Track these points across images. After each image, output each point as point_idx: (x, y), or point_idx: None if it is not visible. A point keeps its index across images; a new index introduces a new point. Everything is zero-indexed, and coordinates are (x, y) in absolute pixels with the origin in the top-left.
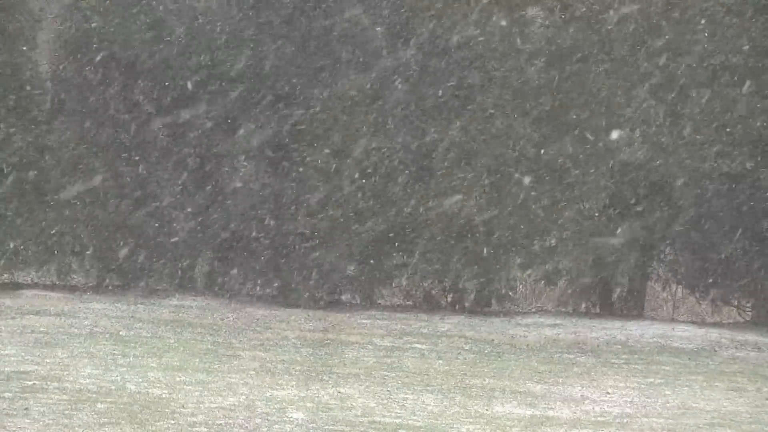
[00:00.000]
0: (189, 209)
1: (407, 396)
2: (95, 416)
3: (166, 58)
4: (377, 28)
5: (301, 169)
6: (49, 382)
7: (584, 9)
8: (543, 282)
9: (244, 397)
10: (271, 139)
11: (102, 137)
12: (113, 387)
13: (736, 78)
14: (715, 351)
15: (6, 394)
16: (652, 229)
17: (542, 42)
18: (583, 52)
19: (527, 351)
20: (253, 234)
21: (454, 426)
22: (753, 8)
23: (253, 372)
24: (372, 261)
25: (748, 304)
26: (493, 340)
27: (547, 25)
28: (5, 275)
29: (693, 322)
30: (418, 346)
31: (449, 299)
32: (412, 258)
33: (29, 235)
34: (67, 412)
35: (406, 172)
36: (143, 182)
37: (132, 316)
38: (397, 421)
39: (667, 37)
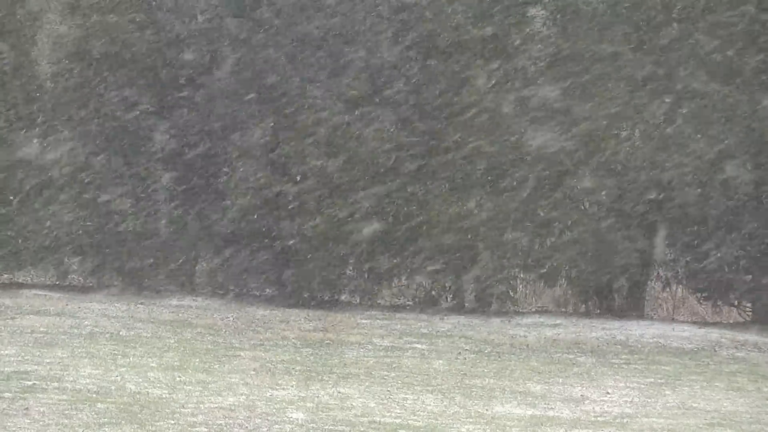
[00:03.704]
0: (189, 209)
1: (407, 396)
2: (95, 416)
3: (166, 57)
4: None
5: (301, 168)
6: (49, 382)
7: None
8: (543, 282)
9: (244, 397)
10: (271, 139)
11: (102, 136)
12: (113, 387)
13: (736, 77)
14: (715, 351)
15: (6, 394)
16: (652, 229)
17: (544, 42)
18: (584, 51)
19: (527, 351)
20: (254, 234)
21: (454, 426)
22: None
23: (253, 372)
24: (372, 261)
25: (748, 304)
26: (493, 340)
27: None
28: (5, 275)
29: (693, 322)
30: (418, 346)
31: (449, 299)
32: (412, 258)
33: (29, 235)
34: (67, 412)
35: (407, 171)
36: (143, 181)
37: (132, 316)
38: (397, 421)
39: (668, 35)
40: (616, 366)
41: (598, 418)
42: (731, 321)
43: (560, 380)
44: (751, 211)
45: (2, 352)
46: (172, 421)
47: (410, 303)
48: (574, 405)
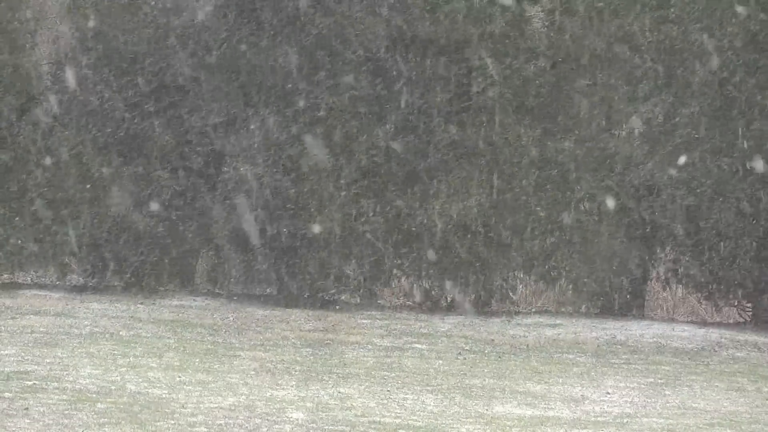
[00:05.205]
0: (189, 209)
1: (407, 396)
2: (95, 416)
3: (166, 56)
4: None
5: (301, 169)
6: (49, 382)
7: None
8: (543, 282)
9: (244, 397)
10: (271, 139)
11: (102, 136)
12: (113, 387)
13: (735, 76)
14: (715, 351)
15: (6, 394)
16: (652, 228)
17: (542, 41)
18: (582, 50)
19: (527, 351)
20: (254, 234)
21: (454, 426)
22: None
23: (253, 372)
24: (372, 261)
25: (748, 304)
26: (493, 340)
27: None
28: (5, 275)
29: (693, 322)
30: (418, 346)
31: (449, 299)
32: (412, 258)
33: (29, 235)
34: (67, 412)
35: (407, 171)
36: (143, 181)
37: (132, 316)
38: (397, 421)
39: (666, 34)
40: (616, 366)
41: (598, 418)
42: (731, 321)
43: (560, 380)
44: (751, 210)
45: (2, 352)
46: (172, 421)
47: (410, 303)
48: (574, 405)
